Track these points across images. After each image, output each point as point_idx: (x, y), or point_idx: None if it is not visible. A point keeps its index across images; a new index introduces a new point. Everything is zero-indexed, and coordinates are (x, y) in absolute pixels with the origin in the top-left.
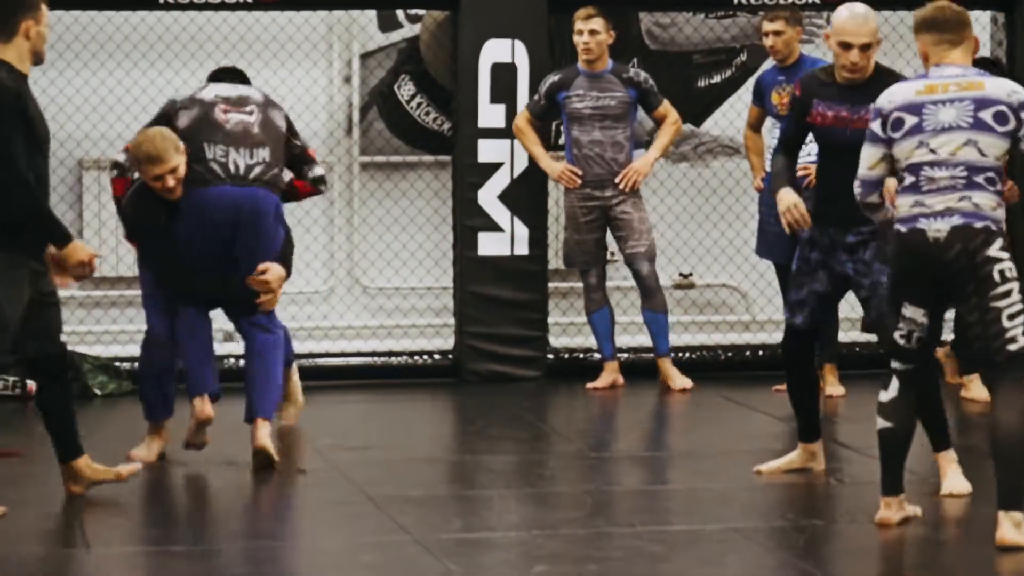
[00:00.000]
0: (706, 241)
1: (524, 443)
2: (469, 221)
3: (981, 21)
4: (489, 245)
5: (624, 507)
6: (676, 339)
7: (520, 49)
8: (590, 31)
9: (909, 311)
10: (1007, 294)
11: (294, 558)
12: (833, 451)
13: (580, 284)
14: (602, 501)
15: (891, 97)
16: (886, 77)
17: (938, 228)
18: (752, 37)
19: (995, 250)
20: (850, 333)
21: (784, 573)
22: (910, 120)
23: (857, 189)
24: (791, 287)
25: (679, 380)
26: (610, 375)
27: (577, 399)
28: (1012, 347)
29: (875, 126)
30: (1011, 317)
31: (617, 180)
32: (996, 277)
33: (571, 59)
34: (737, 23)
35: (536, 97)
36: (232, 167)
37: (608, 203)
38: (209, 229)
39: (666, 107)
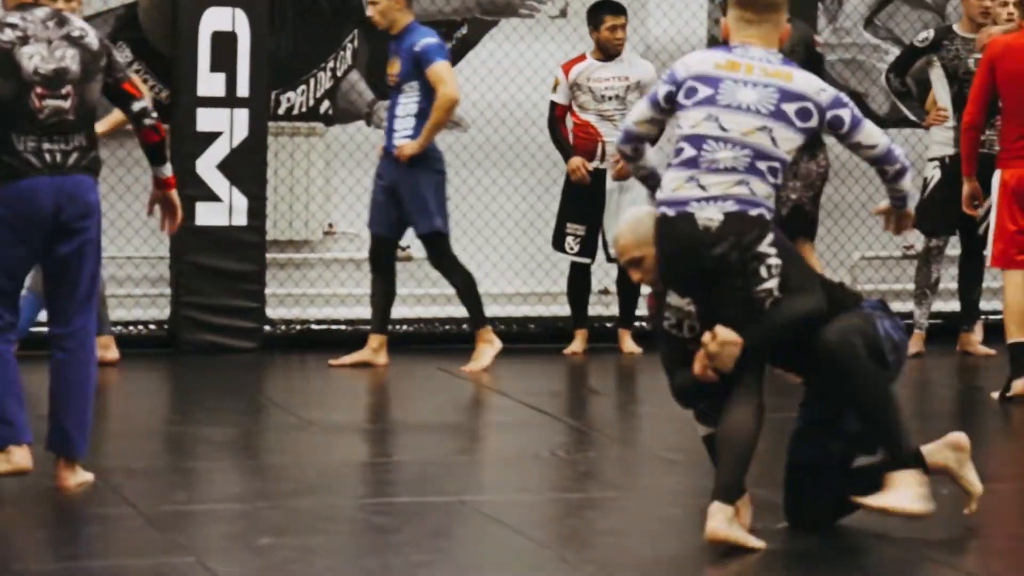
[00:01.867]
0: None
1: (244, 415)
2: (187, 190)
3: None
4: (207, 215)
5: (349, 479)
6: (394, 311)
7: (241, 17)
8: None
9: (674, 299)
10: (771, 290)
11: (18, 532)
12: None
13: (298, 255)
14: (326, 473)
15: (687, 64)
16: None
17: (710, 216)
18: (474, 10)
19: (766, 245)
20: None
21: (511, 544)
22: (704, 91)
23: (618, 135)
24: None
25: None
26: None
27: (294, 370)
28: None
29: (662, 90)
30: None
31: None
32: (763, 273)
33: (292, 28)
34: None
35: None
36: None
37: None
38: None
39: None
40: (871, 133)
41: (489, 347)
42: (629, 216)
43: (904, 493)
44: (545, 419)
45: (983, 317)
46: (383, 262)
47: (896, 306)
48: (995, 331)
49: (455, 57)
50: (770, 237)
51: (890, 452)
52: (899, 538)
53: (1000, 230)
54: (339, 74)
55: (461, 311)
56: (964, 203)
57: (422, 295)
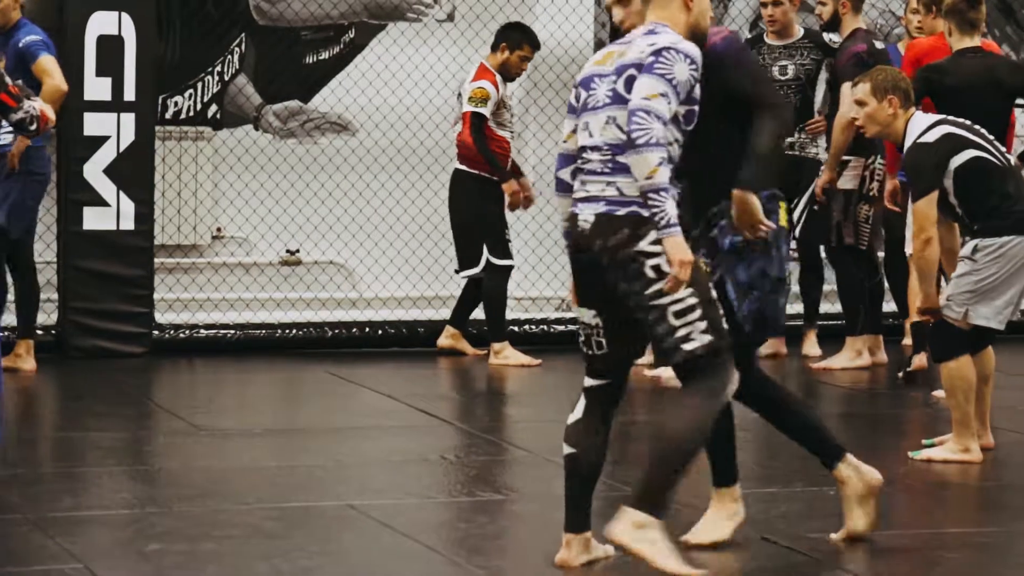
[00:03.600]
0: (313, 218)
1: (132, 420)
2: (74, 195)
3: (585, 3)
4: (94, 220)
5: (238, 484)
6: (283, 315)
7: (127, 21)
8: None
9: (577, 310)
10: (666, 291)
11: None
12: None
13: (186, 260)
14: (214, 478)
15: (583, 68)
16: None
17: (586, 218)
18: (361, 14)
19: (646, 244)
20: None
21: (400, 549)
22: (581, 96)
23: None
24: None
25: None
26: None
27: (183, 375)
28: (687, 346)
29: (571, 97)
30: (679, 315)
31: None
32: (650, 273)
33: (179, 32)
34: (346, 0)
35: None
36: None
37: None
38: None
39: None
40: (639, 87)
41: None
42: None
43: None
44: (434, 422)
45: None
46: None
47: None
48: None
49: (342, 61)
50: (652, 235)
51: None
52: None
53: None
54: (226, 78)
55: (351, 315)
56: (887, 200)
57: (311, 299)
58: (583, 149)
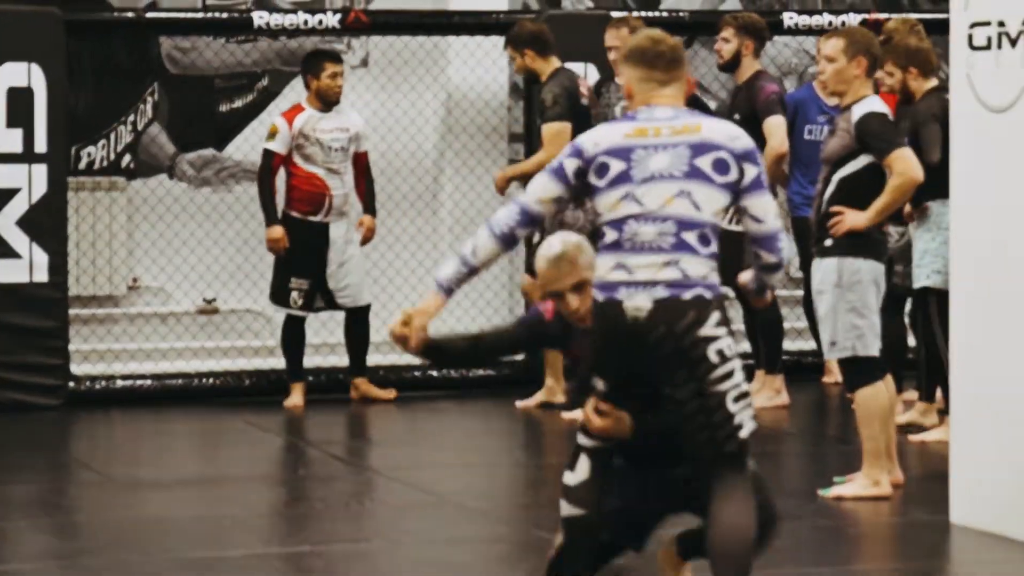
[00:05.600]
0: (229, 266)
1: (45, 472)
2: None
3: (498, 47)
4: (7, 272)
5: (145, 534)
6: (200, 365)
7: (37, 72)
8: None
9: (600, 383)
10: (728, 376)
11: None
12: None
13: (102, 311)
14: (122, 529)
15: (596, 139)
16: None
17: (638, 306)
18: (274, 61)
19: (710, 327)
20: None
21: None
22: (616, 166)
23: (514, 216)
24: None
25: None
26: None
27: (99, 427)
28: (743, 433)
29: (569, 164)
30: (736, 400)
31: None
32: (713, 358)
33: (91, 82)
34: (258, 48)
35: None
36: None
37: None
38: None
39: None
40: (766, 207)
41: None
42: (567, 240)
43: None
44: (350, 468)
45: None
46: None
47: None
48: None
49: (256, 108)
50: (715, 317)
51: None
52: None
53: None
54: (140, 128)
55: (269, 363)
56: (774, 166)
57: (228, 348)
58: (622, 222)
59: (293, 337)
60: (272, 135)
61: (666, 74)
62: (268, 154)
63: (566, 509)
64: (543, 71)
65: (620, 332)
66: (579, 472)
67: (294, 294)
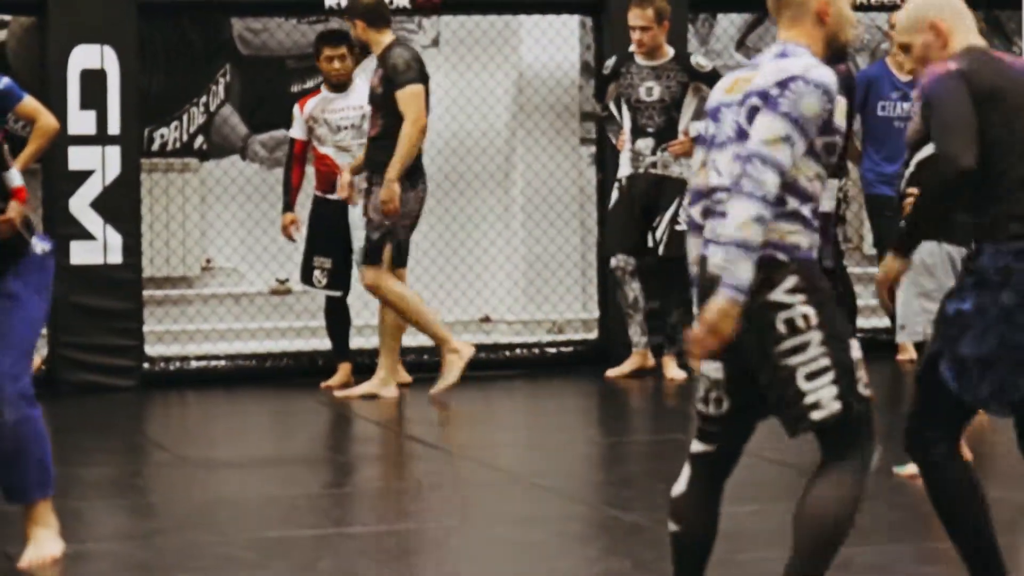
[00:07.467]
0: (301, 246)
1: (120, 453)
2: (61, 230)
3: (569, 26)
4: (81, 254)
5: (218, 515)
6: (273, 345)
7: (110, 54)
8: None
9: (705, 364)
10: (800, 348)
11: None
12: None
13: (175, 292)
14: (196, 509)
15: (711, 94)
16: None
17: (716, 263)
18: None
19: (780, 293)
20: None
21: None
22: (711, 129)
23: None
24: None
25: None
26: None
27: (173, 407)
28: (816, 415)
29: (702, 126)
30: (810, 377)
31: None
32: (781, 328)
33: (163, 64)
34: (329, 28)
35: None
36: None
37: None
38: None
39: None
40: (758, 127)
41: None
42: None
43: None
44: (426, 449)
45: None
46: None
47: None
48: None
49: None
50: (788, 282)
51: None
52: None
53: None
54: (212, 109)
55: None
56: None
57: (301, 328)
58: (713, 189)
59: (334, 317)
60: (293, 122)
61: (775, 5)
62: (290, 141)
63: (669, 524)
64: (375, 42)
65: (702, 286)
66: (679, 483)
67: (317, 272)
